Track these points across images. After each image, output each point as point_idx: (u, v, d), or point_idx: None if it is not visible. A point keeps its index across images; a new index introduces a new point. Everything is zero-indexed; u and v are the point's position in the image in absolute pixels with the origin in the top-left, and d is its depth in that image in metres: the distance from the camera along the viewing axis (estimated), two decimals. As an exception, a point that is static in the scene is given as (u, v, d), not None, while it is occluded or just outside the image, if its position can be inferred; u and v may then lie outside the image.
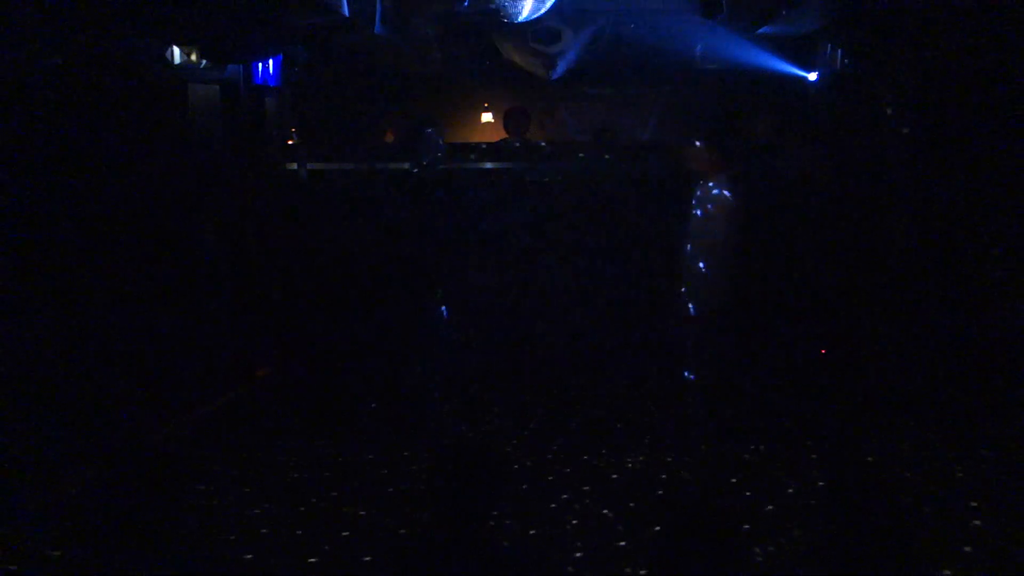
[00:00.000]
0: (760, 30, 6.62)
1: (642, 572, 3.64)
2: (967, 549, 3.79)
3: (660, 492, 4.48)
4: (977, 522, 4.05)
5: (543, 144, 7.21)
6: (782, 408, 5.39)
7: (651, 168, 6.43)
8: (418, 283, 4.95)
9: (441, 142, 4.98)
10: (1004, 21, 5.34)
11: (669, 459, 4.85)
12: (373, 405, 5.87)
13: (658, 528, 3.91)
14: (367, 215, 6.45)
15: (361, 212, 6.49)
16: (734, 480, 4.59)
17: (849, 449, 5.03)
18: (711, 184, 5.00)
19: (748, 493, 4.42)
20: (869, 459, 4.86)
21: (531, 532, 4.02)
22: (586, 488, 4.51)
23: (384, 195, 6.30)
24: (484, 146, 6.93)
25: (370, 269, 6.46)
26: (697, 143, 5.05)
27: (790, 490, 4.45)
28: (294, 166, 6.62)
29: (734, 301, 4.93)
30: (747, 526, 3.92)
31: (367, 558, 3.79)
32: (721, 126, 5.03)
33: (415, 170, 4.92)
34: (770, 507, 4.26)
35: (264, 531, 4.06)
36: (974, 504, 4.23)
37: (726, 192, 4.92)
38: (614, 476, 4.68)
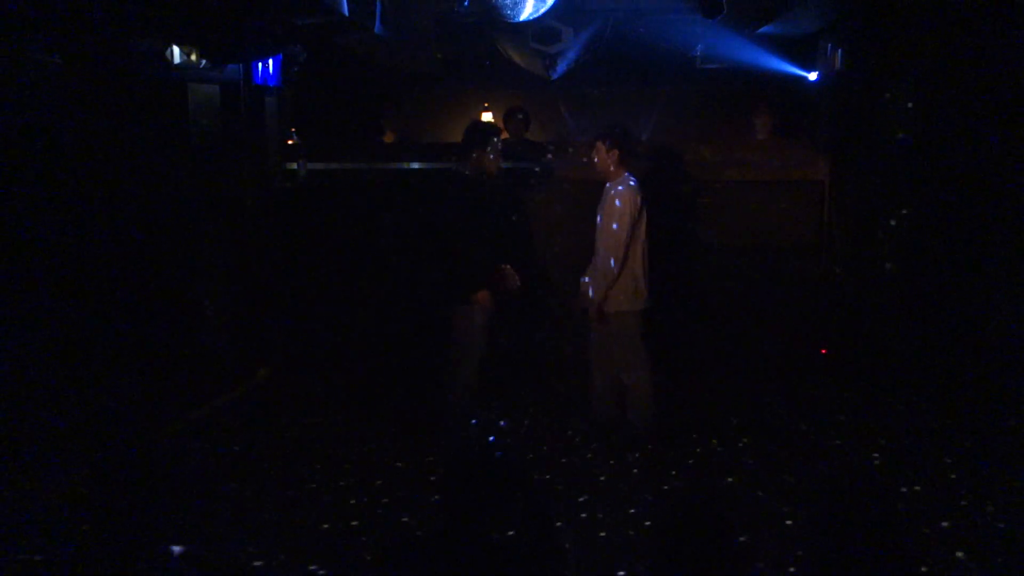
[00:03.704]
0: (760, 30, 6.63)
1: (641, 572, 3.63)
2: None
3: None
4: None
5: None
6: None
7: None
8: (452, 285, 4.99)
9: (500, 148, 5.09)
10: (1004, 20, 5.35)
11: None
12: (374, 405, 5.86)
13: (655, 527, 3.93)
14: (385, 216, 6.51)
15: (379, 213, 6.54)
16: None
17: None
18: (610, 184, 5.10)
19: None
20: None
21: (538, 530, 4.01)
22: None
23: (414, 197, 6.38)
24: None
25: (381, 271, 6.49)
26: (597, 142, 5.11)
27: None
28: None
29: (627, 299, 4.99)
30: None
31: (369, 557, 3.79)
32: (622, 128, 5.08)
33: (467, 172, 4.97)
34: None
35: (265, 531, 4.06)
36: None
37: (617, 190, 4.99)
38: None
